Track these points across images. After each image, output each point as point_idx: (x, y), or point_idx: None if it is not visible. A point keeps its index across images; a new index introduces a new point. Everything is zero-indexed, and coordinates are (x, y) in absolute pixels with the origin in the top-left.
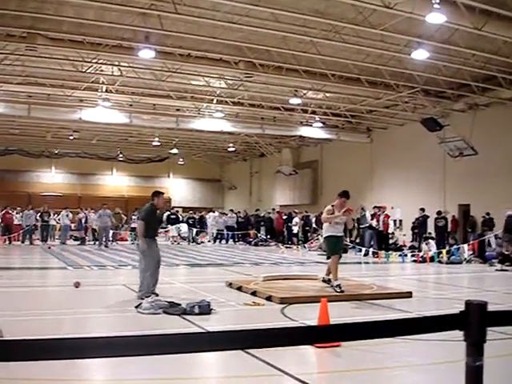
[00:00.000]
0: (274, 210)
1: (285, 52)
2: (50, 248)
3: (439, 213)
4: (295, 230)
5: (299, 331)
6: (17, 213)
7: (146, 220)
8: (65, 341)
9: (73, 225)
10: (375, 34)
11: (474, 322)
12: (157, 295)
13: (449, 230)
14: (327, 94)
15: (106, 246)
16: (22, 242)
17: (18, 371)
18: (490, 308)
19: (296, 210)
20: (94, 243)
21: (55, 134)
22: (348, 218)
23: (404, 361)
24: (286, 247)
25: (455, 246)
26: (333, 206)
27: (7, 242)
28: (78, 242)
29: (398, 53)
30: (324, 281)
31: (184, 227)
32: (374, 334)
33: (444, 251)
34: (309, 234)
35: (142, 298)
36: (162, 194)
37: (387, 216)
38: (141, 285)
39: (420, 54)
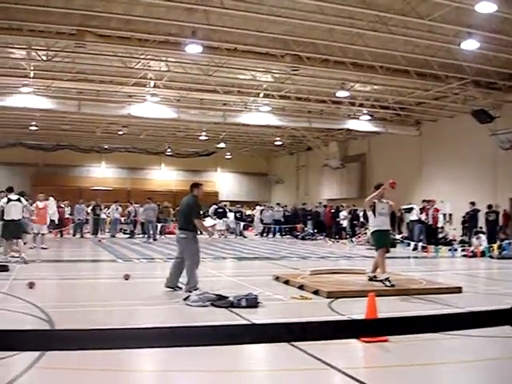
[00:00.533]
0: (320, 203)
1: (331, 44)
2: (100, 241)
3: (490, 207)
4: (344, 223)
5: (346, 324)
6: (66, 206)
7: (200, 215)
8: (116, 331)
9: (122, 218)
10: (423, 25)
11: None
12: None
13: (500, 224)
14: (375, 87)
15: (154, 239)
16: (74, 235)
17: (71, 361)
18: None
19: (344, 204)
20: (143, 236)
21: (105, 129)
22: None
23: (453, 357)
24: (333, 241)
25: (507, 241)
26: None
27: (59, 236)
28: (128, 236)
29: (447, 43)
30: (370, 279)
31: (231, 216)
32: (422, 329)
33: (495, 246)
34: (356, 228)
35: (190, 291)
36: (201, 184)
37: (436, 210)
38: (188, 278)
39: (470, 45)
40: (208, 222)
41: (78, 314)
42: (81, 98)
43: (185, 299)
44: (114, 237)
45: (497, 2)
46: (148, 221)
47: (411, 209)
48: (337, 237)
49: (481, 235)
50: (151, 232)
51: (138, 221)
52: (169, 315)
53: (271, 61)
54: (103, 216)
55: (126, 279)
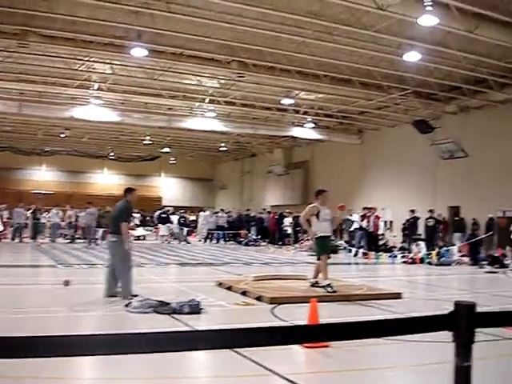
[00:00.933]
0: (264, 209)
1: (277, 52)
2: (39, 246)
3: (431, 211)
4: (289, 230)
5: (288, 330)
6: (3, 210)
7: (128, 220)
8: (55, 338)
9: (63, 223)
10: (367, 36)
11: (462, 322)
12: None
13: (439, 231)
14: (319, 95)
15: (96, 245)
16: (12, 239)
17: (6, 370)
18: (479, 309)
19: (287, 210)
20: (84, 241)
21: (47, 131)
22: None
23: (393, 361)
24: (276, 247)
25: (445, 248)
26: (314, 205)
27: None
28: (68, 241)
29: (390, 54)
30: (312, 285)
31: (174, 220)
32: (363, 334)
33: (434, 252)
34: (299, 235)
35: (127, 298)
36: (135, 190)
37: (377, 217)
38: (122, 284)
39: (412, 56)
40: (139, 231)
41: (16, 321)
42: (22, 99)
43: (126, 305)
44: (53, 242)
45: (438, 16)
46: (88, 225)
47: (353, 221)
48: (280, 243)
49: (420, 242)
50: (92, 237)
51: (79, 225)
52: (110, 322)
53: (217, 66)
54: (43, 220)
55: (66, 285)
